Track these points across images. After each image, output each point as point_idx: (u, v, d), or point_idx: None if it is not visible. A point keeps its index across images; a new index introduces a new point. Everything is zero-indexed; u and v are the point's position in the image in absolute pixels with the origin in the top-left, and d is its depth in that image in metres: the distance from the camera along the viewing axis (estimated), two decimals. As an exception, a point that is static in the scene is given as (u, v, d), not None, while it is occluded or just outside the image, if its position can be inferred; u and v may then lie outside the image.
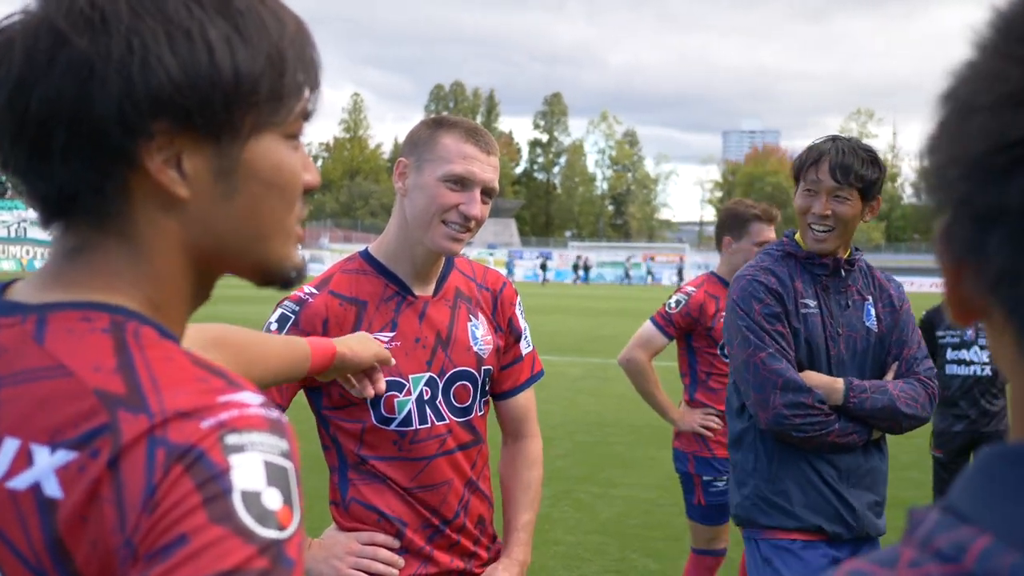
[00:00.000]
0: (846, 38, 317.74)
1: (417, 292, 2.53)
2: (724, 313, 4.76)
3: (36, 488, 0.85)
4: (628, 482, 8.50)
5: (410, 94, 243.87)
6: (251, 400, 0.89)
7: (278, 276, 1.07)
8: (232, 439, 0.85)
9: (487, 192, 2.47)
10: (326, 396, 2.47)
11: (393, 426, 2.46)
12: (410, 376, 2.47)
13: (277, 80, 0.97)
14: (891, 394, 3.13)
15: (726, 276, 4.94)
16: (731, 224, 4.90)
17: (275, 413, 0.90)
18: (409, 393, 2.47)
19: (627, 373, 5.10)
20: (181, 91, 0.91)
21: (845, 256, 3.26)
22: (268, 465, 0.85)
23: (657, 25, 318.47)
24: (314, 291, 2.47)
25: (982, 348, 5.82)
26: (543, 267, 69.19)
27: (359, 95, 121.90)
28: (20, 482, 0.86)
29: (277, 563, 0.82)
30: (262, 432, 0.87)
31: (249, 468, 0.84)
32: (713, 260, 39.07)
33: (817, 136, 3.28)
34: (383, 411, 2.45)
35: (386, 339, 2.44)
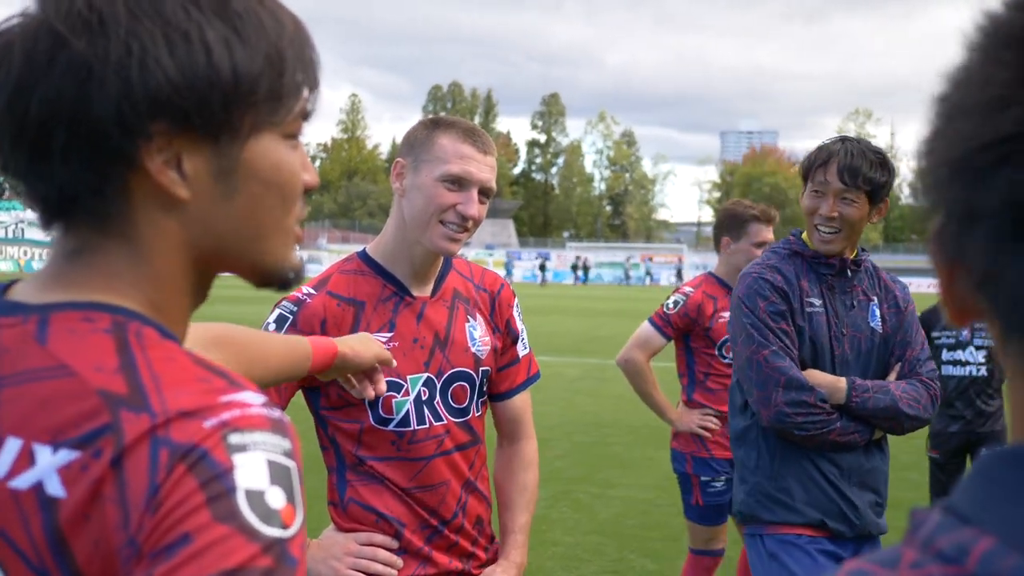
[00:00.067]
0: (844, 38, 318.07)
1: (415, 293, 2.53)
2: (728, 312, 4.81)
3: (38, 487, 0.85)
4: (626, 483, 8.50)
5: (408, 94, 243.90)
6: (253, 400, 0.90)
7: (276, 277, 1.07)
8: (235, 438, 0.85)
9: (484, 192, 2.48)
10: (324, 396, 2.47)
11: (391, 427, 2.46)
12: (408, 377, 2.47)
13: (276, 80, 0.97)
14: (893, 394, 3.13)
15: (724, 277, 4.94)
16: (729, 224, 4.90)
17: (277, 412, 0.91)
18: (407, 394, 2.47)
19: (625, 374, 5.10)
20: (179, 92, 0.91)
21: (852, 256, 3.26)
22: (271, 464, 0.86)
23: (654, 25, 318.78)
24: (312, 291, 2.47)
25: (977, 349, 5.82)
26: (542, 268, 69.20)
27: (356, 96, 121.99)
28: (22, 481, 0.86)
29: (281, 562, 0.83)
30: (265, 431, 0.87)
31: (252, 467, 0.84)
32: (711, 261, 39.10)
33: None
34: (381, 412, 2.45)
35: (384, 339, 2.44)
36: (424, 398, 2.49)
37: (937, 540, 0.62)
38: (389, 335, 2.46)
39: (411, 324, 2.50)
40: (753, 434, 3.24)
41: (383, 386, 2.16)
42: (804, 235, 3.30)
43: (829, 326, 3.19)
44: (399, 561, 2.45)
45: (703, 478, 4.92)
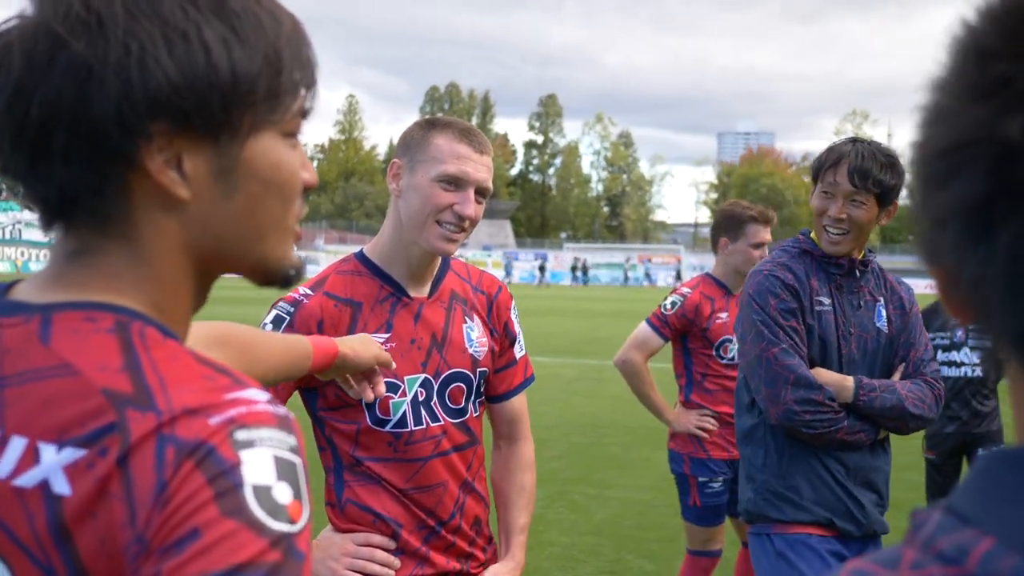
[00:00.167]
0: (841, 39, 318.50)
1: (412, 293, 2.53)
2: (725, 313, 4.83)
3: (44, 485, 0.86)
4: (623, 483, 8.50)
5: (405, 95, 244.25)
6: (258, 397, 0.90)
7: (277, 275, 1.07)
8: (241, 435, 0.86)
9: (481, 192, 2.47)
10: (321, 397, 2.47)
11: (388, 427, 2.46)
12: (405, 377, 2.47)
13: (274, 79, 0.98)
14: (900, 394, 3.14)
15: (722, 277, 4.95)
16: (727, 225, 4.90)
17: (282, 409, 0.91)
18: (404, 394, 2.47)
19: (623, 374, 5.10)
20: (179, 92, 0.91)
21: (859, 257, 3.27)
22: (278, 460, 0.87)
23: (652, 27, 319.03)
24: (309, 292, 2.47)
25: (972, 349, 5.82)
26: (541, 269, 69.26)
27: (354, 97, 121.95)
28: (27, 479, 0.87)
29: (289, 556, 0.83)
30: (271, 428, 0.88)
31: (259, 463, 0.85)
32: (708, 262, 39.13)
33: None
34: (378, 413, 2.45)
35: (381, 340, 2.44)
36: (421, 399, 2.49)
37: (938, 541, 0.62)
38: (386, 336, 2.46)
39: (408, 325, 2.50)
40: (760, 432, 3.24)
41: (382, 388, 2.16)
42: (813, 234, 3.30)
43: (837, 325, 3.20)
44: (396, 561, 2.45)
45: (701, 479, 4.92)
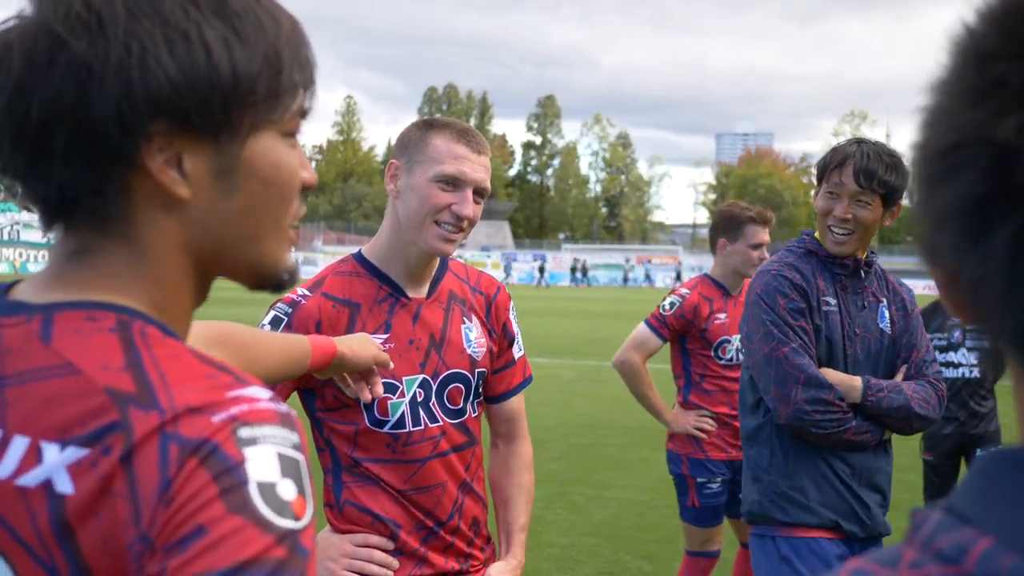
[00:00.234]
0: (840, 40, 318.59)
1: (410, 294, 2.53)
2: (724, 313, 4.83)
3: (47, 485, 0.86)
4: (621, 484, 8.50)
5: (403, 96, 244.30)
6: (260, 394, 0.91)
7: (271, 278, 1.08)
8: (245, 432, 0.86)
9: (479, 192, 2.48)
10: (320, 398, 2.47)
11: (387, 428, 2.46)
12: (403, 378, 2.47)
13: (274, 79, 0.98)
14: (906, 394, 3.16)
15: (720, 278, 4.96)
16: (726, 226, 4.91)
17: (284, 407, 0.92)
18: (402, 395, 2.47)
19: (621, 375, 5.10)
20: (180, 92, 0.92)
21: (863, 258, 3.28)
22: (281, 457, 0.87)
23: (650, 27, 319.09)
24: (307, 293, 2.47)
25: (970, 350, 5.83)
26: (541, 270, 69.31)
27: (352, 97, 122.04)
28: (30, 479, 0.87)
29: (294, 553, 0.84)
30: (273, 425, 0.88)
31: (263, 460, 0.85)
32: (706, 262, 39.11)
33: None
34: (376, 413, 2.45)
35: (380, 341, 2.44)
36: (420, 399, 2.49)
37: (937, 540, 0.62)
38: (385, 336, 2.46)
39: (407, 325, 2.50)
40: (766, 433, 3.24)
41: (380, 389, 2.17)
42: (816, 235, 3.31)
43: (843, 326, 3.21)
44: (395, 562, 2.45)
45: (699, 479, 4.93)
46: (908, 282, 3.61)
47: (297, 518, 0.85)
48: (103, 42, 0.90)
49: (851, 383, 3.12)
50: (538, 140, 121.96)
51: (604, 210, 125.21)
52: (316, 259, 59.67)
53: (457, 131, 2.47)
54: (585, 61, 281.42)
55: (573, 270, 71.27)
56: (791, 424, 3.10)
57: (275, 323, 2.42)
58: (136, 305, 0.97)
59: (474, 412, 2.61)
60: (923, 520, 0.65)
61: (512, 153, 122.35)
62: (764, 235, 4.84)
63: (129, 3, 0.91)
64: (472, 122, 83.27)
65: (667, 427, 5.05)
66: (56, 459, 0.86)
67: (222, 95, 0.94)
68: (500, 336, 2.69)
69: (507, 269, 68.47)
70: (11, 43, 0.92)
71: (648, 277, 75.05)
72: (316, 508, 0.89)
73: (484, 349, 2.63)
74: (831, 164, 3.20)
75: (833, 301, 3.20)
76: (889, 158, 3.14)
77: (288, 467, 0.87)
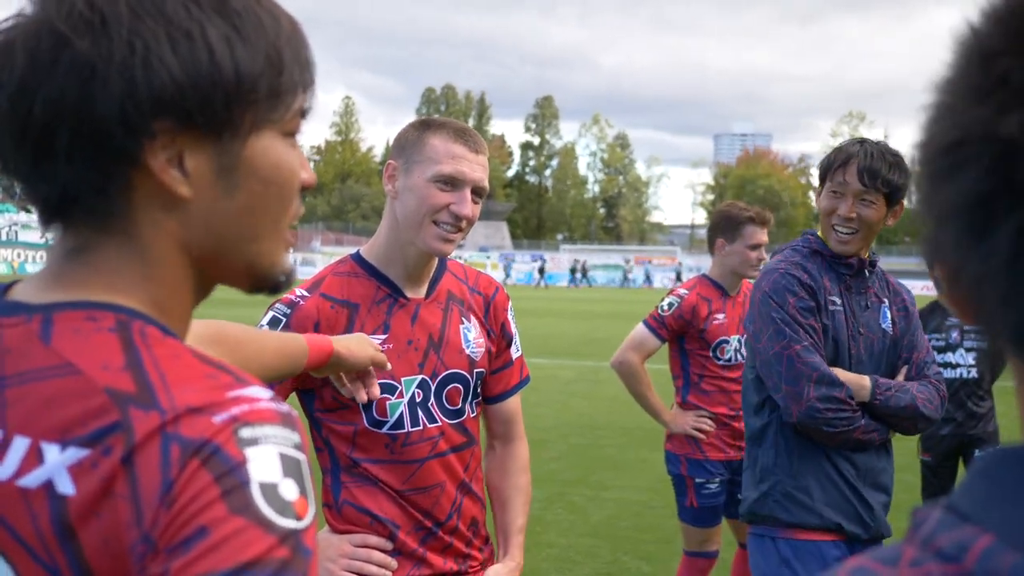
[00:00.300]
0: (839, 40, 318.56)
1: (409, 294, 2.53)
2: (722, 314, 4.84)
3: (48, 485, 0.86)
4: (620, 484, 8.50)
5: (401, 97, 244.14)
6: (261, 394, 0.91)
7: (268, 280, 1.07)
8: (246, 432, 0.86)
9: (477, 192, 2.47)
10: (318, 399, 2.47)
11: (385, 429, 2.46)
12: (402, 379, 2.47)
13: (275, 78, 0.98)
14: (912, 393, 3.17)
15: (718, 279, 4.96)
16: (724, 226, 4.91)
17: (285, 407, 0.92)
18: (401, 396, 2.47)
19: (620, 376, 5.10)
20: (183, 91, 0.92)
21: (866, 258, 3.29)
22: (283, 457, 0.87)
23: (649, 28, 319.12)
24: (305, 294, 2.47)
25: (968, 351, 5.83)
26: (541, 271, 69.31)
27: (350, 98, 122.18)
28: (32, 480, 0.87)
29: (296, 553, 0.84)
30: (275, 425, 0.88)
31: (265, 460, 0.85)
32: (704, 263, 39.11)
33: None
34: (375, 414, 2.45)
35: (378, 342, 2.44)
36: (418, 400, 2.49)
37: (937, 538, 0.62)
38: (383, 337, 2.46)
39: (405, 326, 2.50)
40: (771, 433, 3.23)
41: (376, 390, 2.17)
42: (820, 234, 3.31)
43: (847, 325, 3.21)
44: (393, 563, 2.45)
45: (697, 480, 4.93)
46: (906, 282, 3.62)
47: (299, 518, 0.85)
48: (107, 41, 0.90)
49: (860, 382, 3.12)
50: (536, 141, 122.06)
51: (602, 211, 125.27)
52: (314, 260, 59.67)
53: (454, 131, 2.47)
54: (583, 62, 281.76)
55: (573, 271, 71.22)
56: (803, 422, 3.09)
57: (273, 323, 2.42)
58: (135, 305, 0.97)
59: (472, 412, 2.61)
60: (923, 518, 0.65)
61: (510, 154, 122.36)
62: (762, 236, 4.84)
63: (132, 2, 0.92)
64: (470, 123, 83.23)
65: (666, 427, 5.05)
66: (57, 460, 0.86)
67: (225, 94, 0.94)
68: (498, 336, 2.69)
69: (507, 270, 68.50)
70: (13, 42, 0.92)
71: (648, 278, 75.05)
72: (318, 508, 0.89)
73: (482, 349, 2.63)
74: (835, 163, 3.21)
75: (838, 301, 3.21)
76: (892, 157, 3.16)
77: (290, 467, 0.87)
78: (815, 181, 3.41)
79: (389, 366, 2.26)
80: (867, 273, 3.28)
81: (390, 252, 2.52)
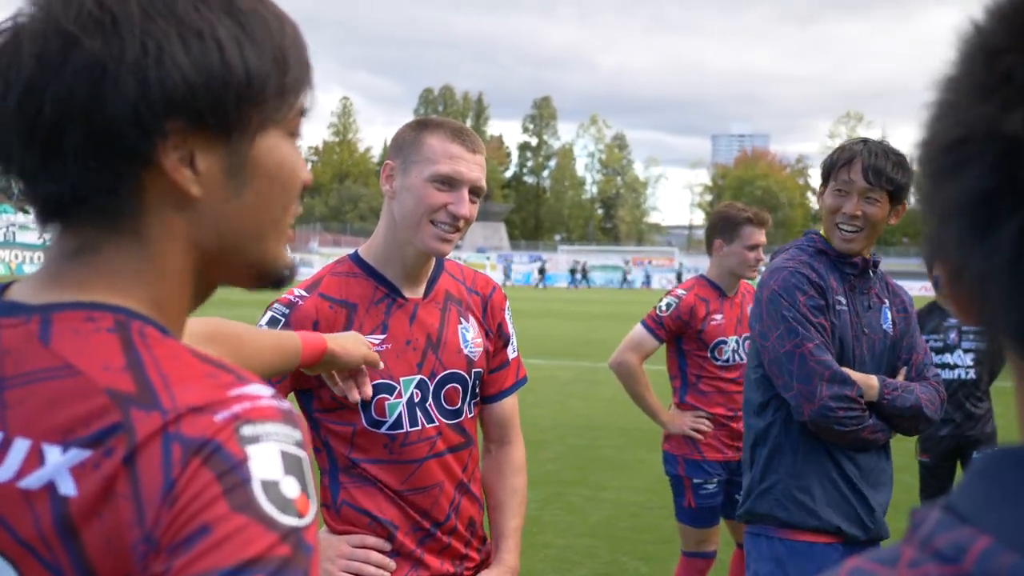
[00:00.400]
0: (837, 41, 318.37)
1: (407, 294, 2.53)
2: (720, 314, 4.84)
3: (50, 487, 0.86)
4: (618, 485, 8.51)
5: (399, 97, 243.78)
6: (262, 392, 0.91)
7: (272, 275, 1.08)
8: (247, 430, 0.86)
9: (475, 191, 2.48)
10: (317, 399, 2.47)
11: (384, 429, 2.46)
12: (401, 379, 2.47)
13: (281, 78, 0.99)
14: (916, 394, 3.17)
15: (716, 279, 4.96)
16: (722, 227, 4.91)
17: (287, 404, 0.92)
18: (400, 396, 2.47)
19: (618, 376, 5.11)
20: (195, 91, 0.92)
21: (869, 258, 3.29)
22: (284, 454, 0.87)
23: (647, 28, 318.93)
24: (304, 294, 2.47)
25: (966, 352, 5.83)
26: (541, 272, 69.31)
27: (348, 99, 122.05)
28: (33, 481, 0.87)
29: (298, 550, 0.84)
30: (276, 423, 0.89)
31: (266, 458, 0.86)
32: (702, 264, 39.11)
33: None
34: (374, 414, 2.45)
35: (377, 341, 2.44)
36: (417, 400, 2.49)
37: (935, 539, 0.62)
38: (382, 337, 2.46)
39: (404, 326, 2.50)
40: (775, 432, 3.23)
41: (368, 390, 2.17)
42: (823, 232, 3.32)
43: (852, 325, 3.21)
44: (392, 563, 2.45)
45: (695, 480, 4.93)
46: (904, 283, 3.63)
47: (301, 515, 0.85)
48: (118, 41, 0.90)
49: (868, 381, 3.13)
50: (534, 141, 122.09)
51: (600, 212, 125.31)
52: (312, 260, 59.63)
53: (452, 130, 2.47)
54: (581, 62, 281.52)
55: (573, 271, 71.18)
56: (814, 421, 3.09)
57: (272, 324, 2.41)
58: (134, 305, 0.97)
59: (470, 413, 2.61)
60: (922, 519, 0.65)
61: (508, 154, 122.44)
62: (761, 236, 4.84)
63: (143, 2, 0.92)
64: (468, 123, 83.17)
65: (663, 428, 5.05)
66: (58, 461, 0.86)
67: (236, 94, 0.95)
68: (495, 336, 2.69)
69: (506, 272, 68.52)
70: (21, 42, 0.92)
71: (648, 279, 75.04)
72: (319, 505, 0.90)
73: (480, 349, 2.63)
74: (839, 162, 3.21)
75: (843, 300, 3.21)
76: (895, 156, 3.17)
77: (291, 464, 0.87)
78: (813, 182, 3.44)
79: (382, 365, 2.27)
80: (871, 273, 3.28)
81: (388, 252, 2.52)
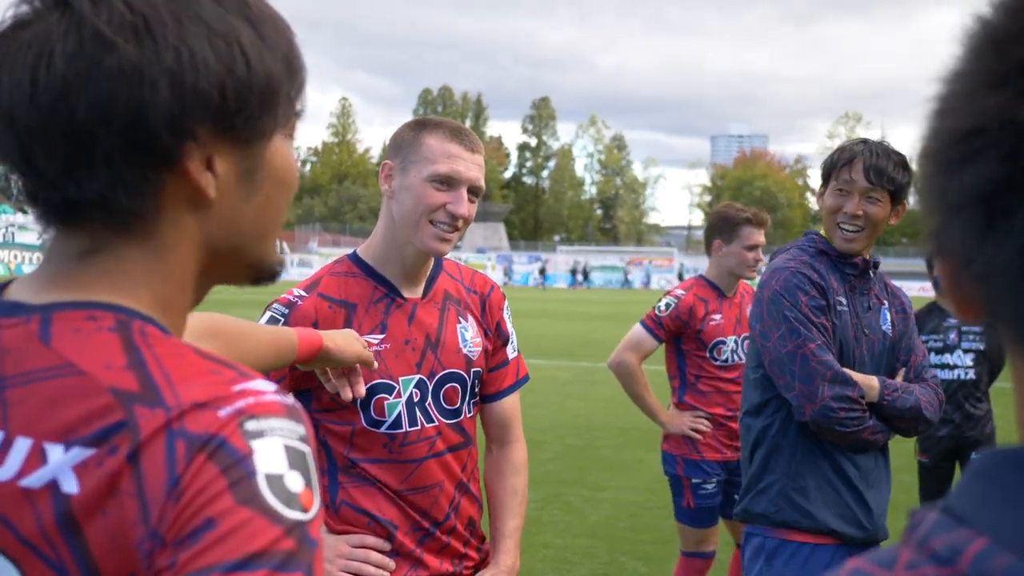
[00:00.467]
0: (835, 42, 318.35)
1: (406, 294, 2.53)
2: (719, 314, 4.84)
3: (53, 485, 0.86)
4: (617, 485, 8.51)
5: (398, 98, 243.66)
6: (265, 387, 0.91)
7: (268, 273, 1.10)
8: (251, 425, 0.87)
9: (473, 191, 2.48)
10: (316, 399, 2.47)
11: (383, 429, 2.46)
12: (400, 378, 2.47)
13: (290, 83, 1.01)
14: (916, 396, 3.18)
15: (715, 279, 4.96)
16: (721, 227, 4.91)
17: (290, 399, 0.92)
18: (399, 395, 2.47)
19: (617, 376, 5.11)
20: (226, 96, 0.94)
21: (869, 258, 3.29)
22: (288, 449, 0.88)
23: (646, 29, 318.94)
24: (303, 293, 2.47)
25: (965, 352, 5.83)
26: (542, 272, 69.30)
27: (347, 99, 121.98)
28: (35, 480, 0.87)
29: (302, 544, 0.84)
30: (280, 417, 0.89)
31: (270, 452, 0.86)
32: (701, 264, 39.14)
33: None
34: (373, 414, 2.45)
35: (376, 341, 2.44)
36: (416, 400, 2.49)
37: (932, 541, 0.62)
38: (381, 337, 2.47)
39: (402, 326, 2.50)
40: (773, 432, 3.23)
41: (361, 388, 2.17)
42: (823, 232, 3.32)
43: (852, 326, 3.21)
44: (391, 563, 2.45)
45: (694, 480, 4.93)
46: (903, 283, 3.63)
47: (305, 510, 0.86)
48: (152, 44, 0.90)
49: (869, 382, 3.13)
50: (533, 142, 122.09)
51: (599, 212, 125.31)
52: (311, 261, 59.70)
53: (450, 130, 2.48)
54: (580, 63, 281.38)
55: (573, 272, 71.15)
56: (816, 421, 3.08)
57: (271, 324, 2.41)
58: (137, 305, 0.97)
59: (469, 412, 2.61)
60: (920, 520, 0.65)
61: (507, 155, 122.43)
62: (760, 237, 4.85)
63: (172, 6, 0.92)
64: (467, 124, 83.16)
65: (662, 428, 5.05)
66: (61, 460, 0.86)
67: (259, 98, 0.96)
68: (494, 335, 2.69)
69: (507, 273, 68.53)
70: (50, 40, 0.91)
71: (648, 279, 75.01)
72: (322, 500, 0.90)
73: (479, 349, 2.63)
74: (839, 162, 3.22)
75: (844, 301, 3.22)
76: (896, 156, 3.18)
77: (295, 459, 0.87)
78: (812, 182, 3.44)
79: (376, 364, 2.27)
80: (871, 274, 3.28)
81: (387, 252, 2.52)
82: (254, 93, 0.96)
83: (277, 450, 0.86)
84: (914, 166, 0.68)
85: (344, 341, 2.10)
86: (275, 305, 2.46)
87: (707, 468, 4.91)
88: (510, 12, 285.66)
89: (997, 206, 0.60)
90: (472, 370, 2.59)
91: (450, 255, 2.63)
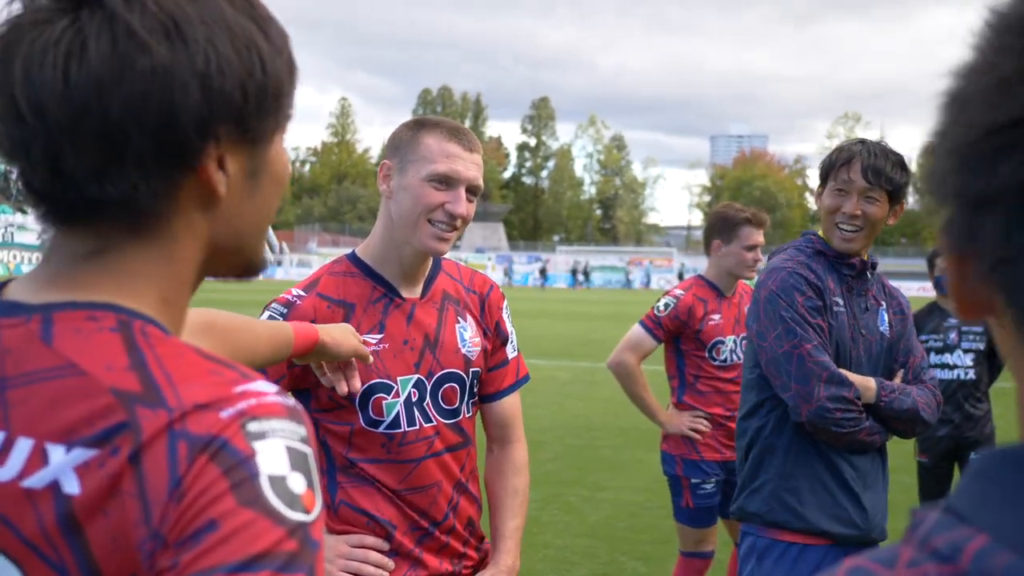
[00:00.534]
0: (835, 42, 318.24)
1: (404, 294, 2.53)
2: (718, 314, 4.84)
3: (54, 486, 0.86)
4: (616, 485, 8.51)
5: (398, 98, 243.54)
6: (267, 388, 0.92)
7: (257, 267, 1.12)
8: (253, 426, 0.87)
9: (472, 190, 2.48)
10: (314, 399, 2.47)
11: (382, 428, 2.46)
12: (398, 378, 2.47)
13: (290, 84, 1.02)
14: (913, 397, 3.17)
15: (714, 279, 4.97)
16: (721, 227, 4.92)
17: (291, 400, 0.92)
18: (397, 395, 2.47)
19: (616, 376, 5.11)
20: (247, 98, 0.95)
21: (867, 259, 3.29)
22: (290, 450, 0.88)
23: (645, 29, 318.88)
24: (302, 293, 2.47)
25: (965, 352, 5.84)
26: (542, 272, 69.31)
27: (346, 99, 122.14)
28: (36, 481, 0.87)
29: (304, 545, 0.84)
30: (282, 419, 0.89)
31: (273, 453, 0.86)
32: (700, 264, 39.18)
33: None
34: (371, 413, 2.45)
35: (374, 341, 2.44)
36: (414, 399, 2.49)
37: (933, 539, 0.62)
38: (379, 337, 2.47)
39: (401, 326, 2.50)
40: (767, 433, 3.23)
41: (357, 383, 2.18)
42: (821, 233, 3.32)
43: (849, 327, 3.21)
44: (390, 563, 2.45)
45: (693, 480, 4.94)
46: (902, 283, 3.63)
47: (307, 511, 0.86)
48: (183, 47, 0.91)
49: (866, 383, 3.13)
50: (532, 142, 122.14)
51: (599, 212, 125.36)
52: (311, 261, 59.74)
53: (448, 129, 2.48)
54: (580, 63, 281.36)
55: (574, 272, 71.15)
56: (812, 422, 3.09)
57: (270, 324, 2.41)
58: (138, 305, 0.97)
59: (468, 412, 2.61)
60: (921, 519, 0.65)
61: (507, 155, 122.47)
62: (759, 237, 4.85)
63: (198, 9, 0.93)
64: (467, 124, 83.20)
65: (662, 428, 5.05)
66: (62, 460, 0.86)
67: (273, 100, 0.98)
68: (493, 335, 2.69)
69: (507, 273, 68.54)
70: (83, 36, 0.90)
71: (648, 279, 75.03)
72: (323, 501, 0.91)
73: (479, 348, 2.62)
74: (838, 162, 3.22)
75: (841, 302, 3.22)
76: (894, 156, 3.18)
77: (297, 460, 0.88)
78: (811, 182, 3.44)
79: (371, 360, 2.29)
80: (868, 275, 3.28)
81: (385, 252, 2.52)
82: (269, 95, 0.97)
83: (279, 451, 0.87)
84: (914, 166, 0.67)
85: (340, 335, 2.11)
86: (274, 304, 2.46)
87: (706, 468, 4.91)
88: (510, 12, 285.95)
89: None
90: (471, 370, 2.59)
91: (449, 255, 2.62)
